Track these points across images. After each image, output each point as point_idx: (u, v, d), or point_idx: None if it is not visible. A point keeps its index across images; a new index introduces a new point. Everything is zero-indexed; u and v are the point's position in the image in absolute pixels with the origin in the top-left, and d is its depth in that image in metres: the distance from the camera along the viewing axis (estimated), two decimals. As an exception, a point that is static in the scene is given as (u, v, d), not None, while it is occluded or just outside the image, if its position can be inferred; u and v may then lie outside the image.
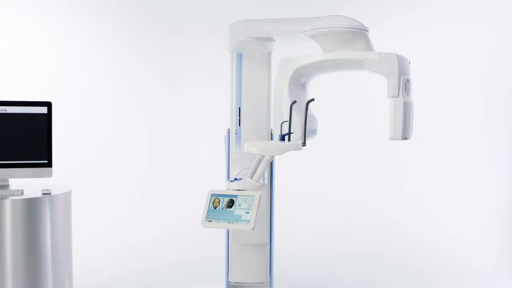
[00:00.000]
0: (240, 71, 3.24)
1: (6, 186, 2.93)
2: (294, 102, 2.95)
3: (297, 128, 2.96)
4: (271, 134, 3.28)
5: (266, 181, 3.26)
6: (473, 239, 4.81)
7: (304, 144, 2.83)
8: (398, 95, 2.78)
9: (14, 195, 2.74)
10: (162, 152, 5.29)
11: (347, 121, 5.17)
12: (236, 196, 2.56)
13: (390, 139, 2.84)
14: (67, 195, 2.94)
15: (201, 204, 2.64)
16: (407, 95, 2.83)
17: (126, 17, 5.15)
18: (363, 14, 3.73)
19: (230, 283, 3.36)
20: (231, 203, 2.55)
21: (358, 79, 4.34)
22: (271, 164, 3.24)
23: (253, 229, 2.44)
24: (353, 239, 5.01)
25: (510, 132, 4.92)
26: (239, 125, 3.26)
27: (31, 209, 2.71)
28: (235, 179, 2.80)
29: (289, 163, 4.20)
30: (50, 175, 2.98)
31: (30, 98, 3.02)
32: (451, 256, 4.67)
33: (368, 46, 2.94)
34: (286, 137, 2.93)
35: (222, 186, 2.83)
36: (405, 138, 2.84)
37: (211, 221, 2.55)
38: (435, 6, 5.05)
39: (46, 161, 2.96)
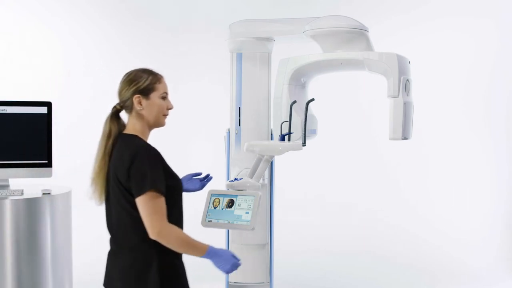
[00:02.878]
0: (240, 71, 3.24)
1: (6, 186, 2.92)
2: (294, 102, 2.95)
3: (297, 128, 2.95)
4: (271, 134, 3.28)
5: (266, 181, 3.26)
6: (473, 239, 4.80)
7: (304, 144, 2.83)
8: (398, 95, 2.78)
9: (14, 195, 2.74)
10: (162, 152, 5.27)
11: (347, 121, 5.17)
12: (236, 196, 2.55)
13: (390, 139, 2.84)
14: (67, 195, 2.94)
15: (201, 204, 2.63)
16: (407, 95, 2.83)
17: (126, 17, 5.14)
18: (363, 14, 3.72)
19: (230, 283, 3.35)
20: (231, 203, 2.55)
21: (358, 79, 4.35)
22: (271, 164, 3.23)
23: (253, 229, 2.44)
24: (352, 239, 5.01)
25: (510, 132, 4.92)
26: (239, 125, 3.26)
27: (31, 209, 2.71)
28: (235, 179, 2.80)
29: (289, 163, 4.20)
30: (50, 175, 2.98)
31: (30, 98, 3.02)
32: (451, 256, 4.66)
33: (368, 46, 2.94)
34: (286, 137, 2.93)
35: (222, 186, 2.83)
36: (405, 138, 2.83)
37: (211, 221, 2.55)
38: (435, 6, 5.05)
39: (46, 161, 2.95)
